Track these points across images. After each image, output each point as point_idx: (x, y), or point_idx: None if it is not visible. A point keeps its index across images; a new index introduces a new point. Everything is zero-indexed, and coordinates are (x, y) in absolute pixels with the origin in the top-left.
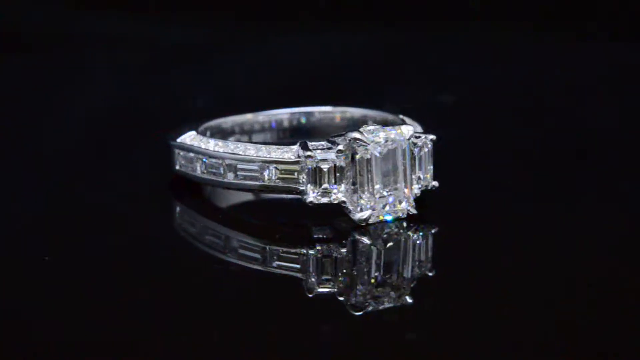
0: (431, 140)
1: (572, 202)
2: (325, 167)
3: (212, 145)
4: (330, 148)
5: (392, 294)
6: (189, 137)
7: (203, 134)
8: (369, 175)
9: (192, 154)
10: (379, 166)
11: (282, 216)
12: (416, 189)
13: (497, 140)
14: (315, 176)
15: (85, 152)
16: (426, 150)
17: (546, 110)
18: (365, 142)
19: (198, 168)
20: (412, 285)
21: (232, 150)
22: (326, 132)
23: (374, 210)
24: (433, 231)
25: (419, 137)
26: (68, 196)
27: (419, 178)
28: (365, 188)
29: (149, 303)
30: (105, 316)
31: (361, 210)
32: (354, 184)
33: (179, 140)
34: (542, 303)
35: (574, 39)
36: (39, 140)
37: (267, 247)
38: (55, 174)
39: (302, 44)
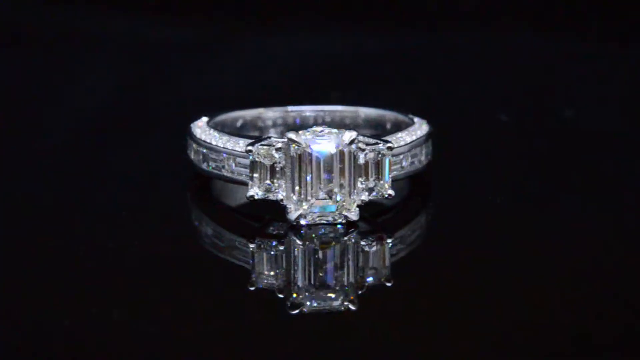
0: (388, 148)
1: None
2: (268, 163)
3: (199, 132)
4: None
5: (334, 297)
6: (195, 124)
7: (232, 124)
8: (305, 177)
9: (190, 140)
10: (317, 168)
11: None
12: (364, 196)
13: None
14: (257, 171)
15: (107, 136)
16: (384, 157)
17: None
18: (299, 143)
19: (192, 154)
20: (355, 292)
21: (208, 140)
22: None
23: (310, 212)
24: (385, 240)
25: (378, 143)
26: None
27: (375, 185)
28: (300, 189)
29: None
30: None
31: (295, 210)
32: (290, 183)
33: (191, 125)
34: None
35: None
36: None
37: (225, 237)
38: (71, 156)
39: (302, 44)
